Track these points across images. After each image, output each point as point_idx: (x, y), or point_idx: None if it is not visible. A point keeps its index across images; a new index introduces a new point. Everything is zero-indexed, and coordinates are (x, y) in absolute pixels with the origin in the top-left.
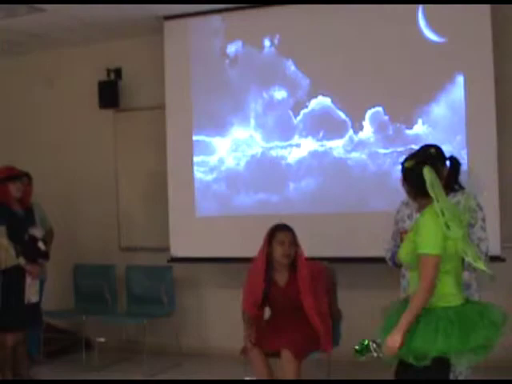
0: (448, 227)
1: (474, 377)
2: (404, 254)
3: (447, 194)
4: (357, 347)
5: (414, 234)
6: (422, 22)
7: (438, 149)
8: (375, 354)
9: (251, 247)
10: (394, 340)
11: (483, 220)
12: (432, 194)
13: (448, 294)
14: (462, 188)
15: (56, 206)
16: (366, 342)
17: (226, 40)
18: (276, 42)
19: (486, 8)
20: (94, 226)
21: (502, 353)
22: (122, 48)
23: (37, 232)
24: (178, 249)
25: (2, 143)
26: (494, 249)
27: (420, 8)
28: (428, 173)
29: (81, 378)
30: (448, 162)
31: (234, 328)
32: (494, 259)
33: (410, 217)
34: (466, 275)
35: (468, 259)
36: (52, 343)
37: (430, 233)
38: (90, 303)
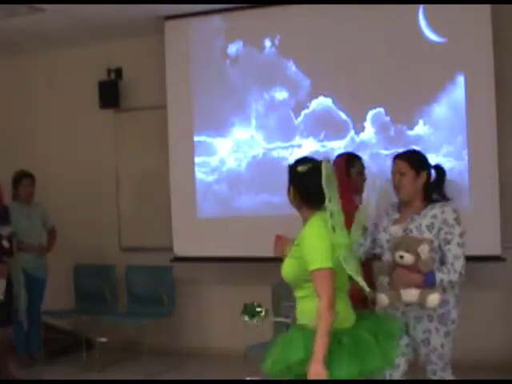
0: (334, 230)
1: (474, 377)
2: (286, 270)
3: (426, 205)
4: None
5: (296, 247)
6: (422, 22)
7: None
8: (255, 322)
9: (252, 248)
10: (317, 373)
11: (461, 236)
12: (325, 192)
13: (340, 314)
14: (446, 199)
15: (56, 206)
16: (251, 307)
17: (226, 40)
18: (277, 42)
19: (486, 8)
20: (95, 225)
21: (501, 353)
22: (122, 48)
23: (2, 230)
24: (180, 249)
25: (2, 143)
26: (494, 249)
27: (420, 8)
28: (325, 168)
29: (81, 378)
30: (433, 171)
31: (234, 328)
32: (494, 259)
33: (385, 230)
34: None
35: (348, 272)
36: (52, 343)
37: (317, 245)
38: (91, 303)
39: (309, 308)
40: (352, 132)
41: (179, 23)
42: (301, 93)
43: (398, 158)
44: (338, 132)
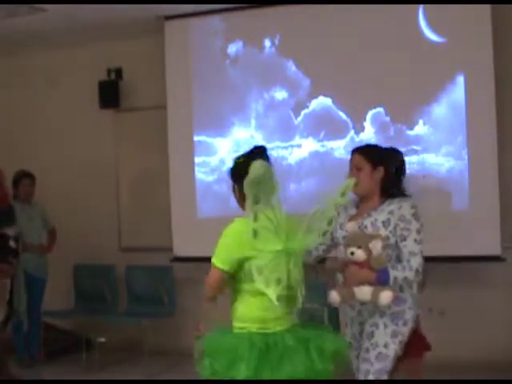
0: (256, 235)
1: (475, 377)
2: None
3: (384, 201)
4: None
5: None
6: (422, 22)
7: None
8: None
9: None
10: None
11: (418, 232)
12: (247, 192)
13: (250, 318)
14: (405, 195)
15: (56, 206)
16: None
17: (226, 40)
18: (277, 42)
19: (486, 8)
20: (95, 225)
21: (502, 353)
22: (122, 48)
23: (9, 230)
24: (180, 249)
25: (2, 143)
26: (494, 249)
27: (420, 8)
28: (254, 168)
29: (81, 378)
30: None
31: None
32: (493, 259)
33: (342, 226)
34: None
35: (258, 283)
36: (52, 343)
37: (225, 245)
38: (91, 303)
39: (236, 310)
40: (352, 132)
41: (179, 23)
42: (300, 93)
43: (354, 152)
44: (338, 132)
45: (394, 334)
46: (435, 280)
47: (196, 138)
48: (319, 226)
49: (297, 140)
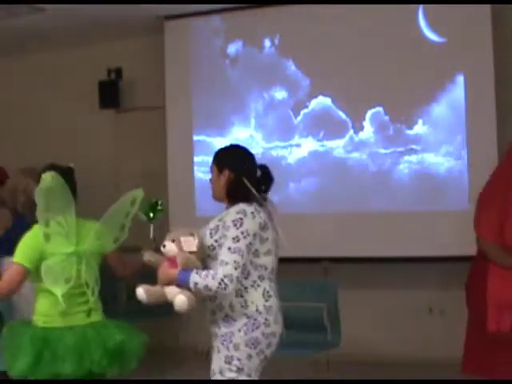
0: (47, 238)
1: (474, 376)
2: None
3: (229, 206)
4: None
5: None
6: (422, 22)
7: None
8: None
9: None
10: None
11: (234, 240)
12: (37, 200)
13: (42, 314)
14: (247, 200)
15: None
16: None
17: (226, 40)
18: (276, 42)
19: (486, 8)
20: None
21: None
22: (122, 48)
23: None
24: None
25: (2, 143)
26: None
27: (420, 8)
28: (45, 179)
29: (81, 378)
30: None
31: None
32: None
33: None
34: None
35: (46, 285)
36: None
37: (24, 243)
38: None
39: (35, 305)
40: (351, 131)
41: (179, 23)
42: (300, 92)
43: None
44: (337, 131)
45: (227, 360)
46: (435, 280)
47: (196, 138)
48: (111, 231)
49: (296, 139)
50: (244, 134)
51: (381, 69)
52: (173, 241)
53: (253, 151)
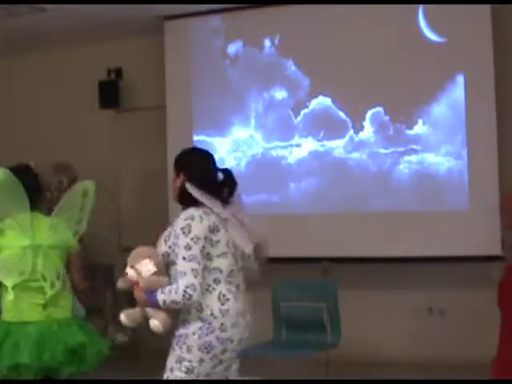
0: (1, 233)
1: (474, 377)
2: None
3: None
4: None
5: None
6: (422, 22)
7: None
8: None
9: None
10: None
11: (186, 248)
12: None
13: (7, 309)
14: (196, 204)
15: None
16: None
17: (226, 40)
18: (276, 42)
19: (486, 8)
20: (94, 225)
21: None
22: (122, 48)
23: None
24: None
25: (2, 143)
26: (494, 249)
27: (420, 8)
28: None
29: (81, 378)
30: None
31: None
32: (494, 259)
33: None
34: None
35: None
36: None
37: None
38: (90, 303)
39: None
40: (351, 131)
41: (179, 23)
42: (300, 92)
43: None
44: (337, 131)
45: (179, 360)
46: (435, 280)
47: (196, 138)
48: (69, 225)
49: (296, 140)
50: (244, 134)
51: (381, 69)
52: (131, 266)
53: (253, 152)
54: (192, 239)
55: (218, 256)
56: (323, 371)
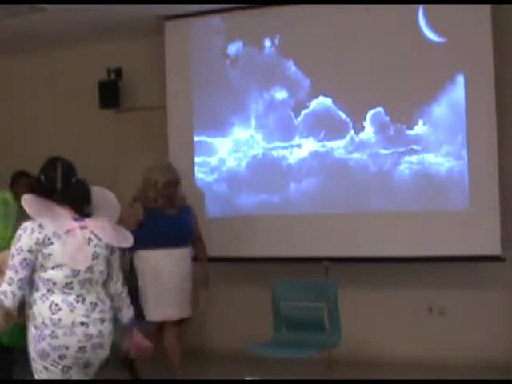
0: None
1: (475, 377)
2: None
3: None
4: None
5: None
6: (422, 22)
7: None
8: None
9: (252, 247)
10: None
11: (12, 257)
12: None
13: None
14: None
15: None
16: None
17: (226, 40)
18: (277, 42)
19: (486, 8)
20: None
21: (502, 353)
22: (122, 48)
23: None
24: None
25: (2, 143)
26: (494, 249)
27: (420, 8)
28: None
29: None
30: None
31: (234, 328)
32: (493, 259)
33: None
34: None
35: None
36: None
37: None
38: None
39: None
40: (352, 132)
41: (179, 23)
42: (300, 92)
43: None
44: (338, 132)
45: (34, 369)
46: (435, 280)
47: (196, 138)
48: None
49: (297, 140)
50: (244, 135)
51: (381, 69)
52: None
53: (253, 152)
54: (16, 250)
55: (52, 268)
56: (323, 371)
